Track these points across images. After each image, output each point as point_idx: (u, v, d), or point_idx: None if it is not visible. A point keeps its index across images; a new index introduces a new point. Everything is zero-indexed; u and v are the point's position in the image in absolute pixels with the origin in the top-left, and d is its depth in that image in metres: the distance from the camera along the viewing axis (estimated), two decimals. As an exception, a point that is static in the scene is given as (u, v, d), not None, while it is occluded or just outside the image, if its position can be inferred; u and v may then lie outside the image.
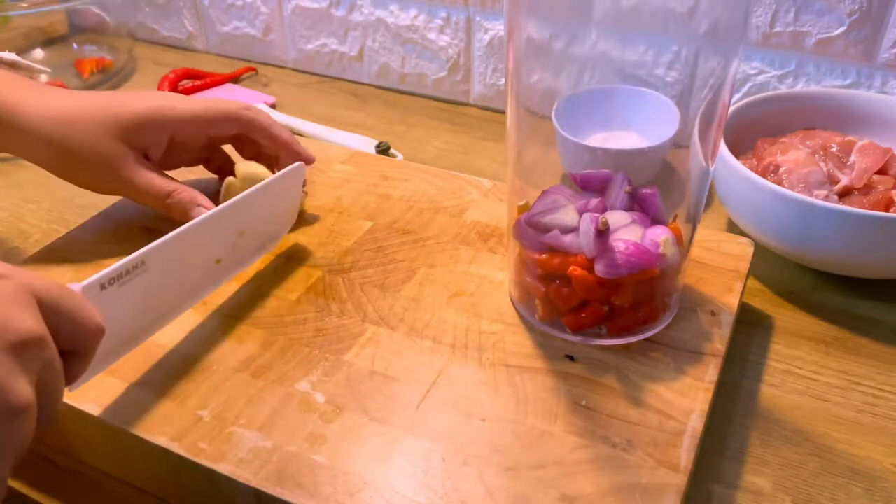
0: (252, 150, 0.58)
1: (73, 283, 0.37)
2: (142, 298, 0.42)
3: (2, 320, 0.28)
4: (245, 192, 0.48)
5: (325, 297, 0.49)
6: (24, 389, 0.28)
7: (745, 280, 0.50)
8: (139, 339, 0.43)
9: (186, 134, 0.54)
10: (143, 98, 0.53)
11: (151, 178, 0.52)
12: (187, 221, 0.45)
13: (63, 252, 0.53)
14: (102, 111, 0.51)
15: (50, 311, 0.31)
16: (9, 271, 0.30)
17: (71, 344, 0.33)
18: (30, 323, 0.29)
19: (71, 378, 0.34)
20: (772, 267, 0.57)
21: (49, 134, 0.50)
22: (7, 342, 0.28)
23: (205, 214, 0.46)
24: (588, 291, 0.43)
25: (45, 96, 0.51)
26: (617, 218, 0.42)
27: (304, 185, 0.55)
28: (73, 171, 0.53)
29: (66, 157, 0.51)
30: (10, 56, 0.62)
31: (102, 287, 0.38)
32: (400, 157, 0.74)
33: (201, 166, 0.59)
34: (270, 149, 0.56)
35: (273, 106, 0.85)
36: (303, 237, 0.55)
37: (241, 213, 0.48)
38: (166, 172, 0.54)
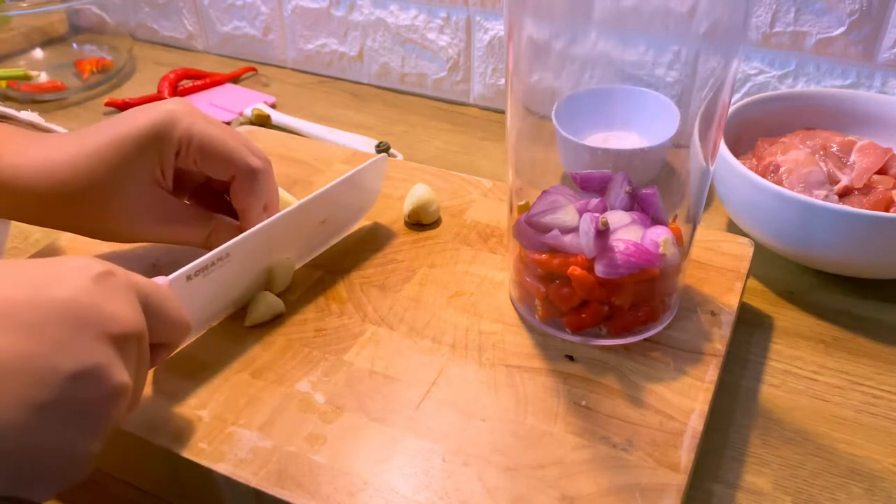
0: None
1: (160, 277, 0.40)
2: (221, 286, 0.45)
3: (112, 313, 0.31)
4: (331, 184, 0.49)
5: (325, 297, 0.49)
6: (124, 375, 0.31)
7: (745, 280, 0.50)
8: (210, 323, 0.46)
9: (186, 156, 0.46)
10: (151, 112, 0.45)
11: (180, 224, 0.46)
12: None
13: (63, 252, 0.53)
14: (105, 152, 0.43)
15: (147, 308, 0.34)
16: (113, 268, 0.33)
17: (159, 338, 0.36)
18: (133, 317, 0.32)
19: (153, 366, 0.37)
20: (772, 267, 0.57)
21: (61, 196, 0.43)
22: (114, 333, 0.31)
23: (291, 207, 0.47)
24: (588, 291, 0.43)
25: (45, 150, 0.44)
26: (617, 218, 0.42)
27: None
28: (103, 229, 0.46)
29: (88, 216, 0.45)
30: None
31: (188, 279, 0.42)
32: (400, 157, 0.74)
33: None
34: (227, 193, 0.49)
35: (273, 106, 0.85)
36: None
37: (325, 204, 0.50)
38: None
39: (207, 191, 0.50)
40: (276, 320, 0.47)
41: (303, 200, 0.47)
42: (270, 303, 0.47)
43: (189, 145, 0.45)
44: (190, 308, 0.39)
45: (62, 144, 0.44)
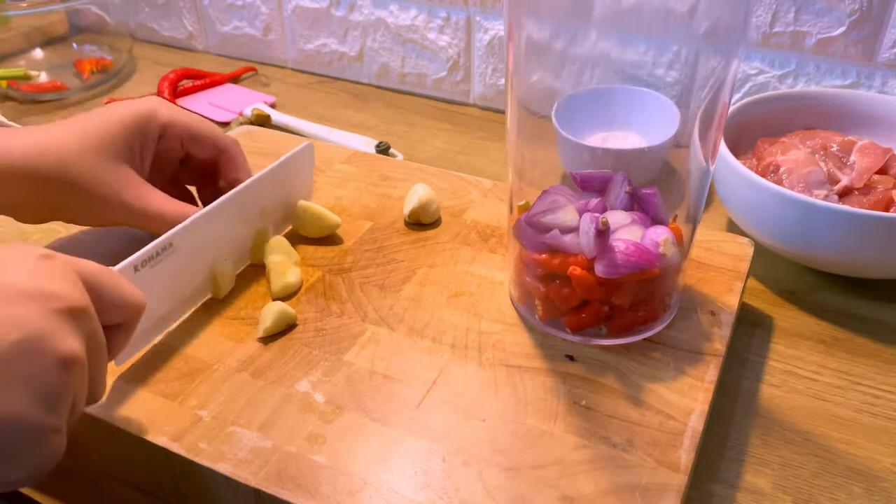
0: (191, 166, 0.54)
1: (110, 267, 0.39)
2: (173, 278, 0.45)
3: (53, 290, 0.32)
4: (262, 171, 0.51)
5: (325, 297, 0.49)
6: (72, 343, 0.32)
7: (745, 280, 0.50)
8: (176, 317, 0.47)
9: (169, 142, 0.50)
10: (134, 104, 0.49)
11: (157, 202, 0.48)
12: None
13: (63, 252, 0.53)
14: (87, 129, 0.47)
15: (92, 287, 0.35)
16: (52, 253, 0.34)
17: (113, 318, 0.36)
18: (75, 293, 0.33)
19: (113, 352, 0.37)
20: (772, 267, 0.57)
21: (37, 168, 0.46)
22: (56, 308, 0.32)
23: (227, 195, 0.48)
24: (588, 291, 0.43)
25: (22, 135, 0.47)
26: (617, 218, 0.42)
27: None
28: (71, 208, 0.48)
29: (61, 190, 0.47)
30: None
31: (136, 269, 0.42)
32: (400, 157, 0.74)
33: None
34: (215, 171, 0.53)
35: (273, 106, 0.85)
36: (303, 237, 0.55)
37: (260, 190, 0.51)
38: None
39: (175, 188, 0.54)
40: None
41: (236, 189, 0.49)
42: (284, 314, 0.46)
43: (174, 128, 0.50)
44: (148, 300, 0.39)
45: (48, 131, 0.47)
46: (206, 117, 0.59)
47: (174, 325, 0.46)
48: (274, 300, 0.48)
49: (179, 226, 0.45)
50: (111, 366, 0.43)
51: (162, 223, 0.47)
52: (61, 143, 0.46)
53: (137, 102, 0.50)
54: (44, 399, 0.31)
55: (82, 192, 0.47)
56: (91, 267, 0.36)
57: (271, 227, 0.53)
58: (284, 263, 0.49)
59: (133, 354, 0.43)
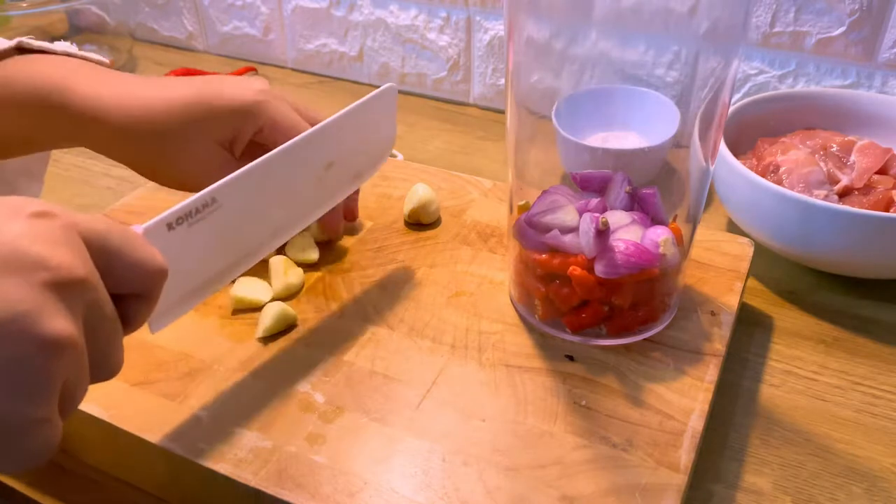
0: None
1: (136, 225, 0.34)
2: (218, 238, 0.39)
3: (37, 258, 0.27)
4: (333, 117, 0.45)
5: (325, 297, 0.49)
6: (60, 324, 0.27)
7: (745, 280, 0.50)
8: (223, 280, 0.41)
9: (268, 138, 0.47)
10: (237, 86, 0.47)
11: None
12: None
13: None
14: (194, 104, 0.45)
15: (99, 251, 0.29)
16: (54, 210, 0.29)
17: (128, 286, 0.31)
18: (68, 261, 0.27)
19: (133, 323, 0.32)
20: (772, 267, 0.57)
21: (137, 133, 0.44)
22: (41, 280, 0.27)
23: (286, 144, 0.42)
24: (588, 291, 0.43)
25: (126, 86, 0.45)
26: (617, 218, 0.42)
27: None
28: (165, 174, 0.47)
29: (157, 159, 0.46)
30: (63, 45, 0.51)
31: (170, 227, 0.36)
32: (400, 157, 0.74)
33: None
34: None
35: (273, 106, 0.85)
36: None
37: (329, 141, 0.45)
38: None
39: None
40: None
41: (299, 137, 0.43)
42: (284, 315, 0.46)
43: (273, 129, 0.46)
44: (185, 261, 0.35)
45: (144, 85, 0.46)
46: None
47: (221, 287, 0.41)
48: (274, 300, 0.48)
49: (225, 179, 0.38)
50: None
51: None
52: (159, 107, 0.44)
53: (246, 87, 0.46)
54: (24, 389, 0.26)
55: (173, 163, 0.45)
56: (98, 225, 0.30)
57: (338, 189, 0.47)
58: (285, 263, 0.49)
59: (172, 320, 0.37)
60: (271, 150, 0.43)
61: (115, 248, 0.30)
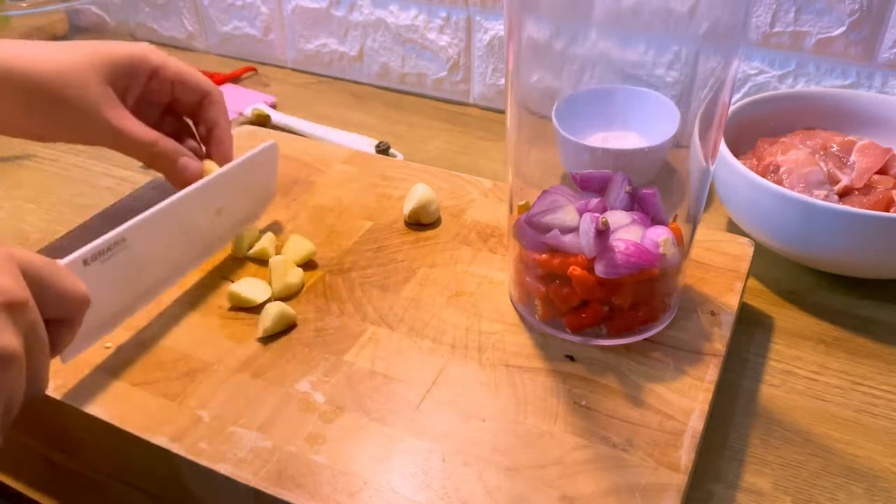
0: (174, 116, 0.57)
1: (59, 260, 0.38)
2: (125, 275, 0.44)
3: None
4: (222, 169, 0.50)
5: (325, 297, 0.49)
6: (8, 339, 0.30)
7: (745, 280, 0.50)
8: (126, 315, 0.45)
9: (159, 84, 0.53)
10: (129, 44, 0.53)
11: (136, 124, 0.51)
12: (172, 174, 0.51)
13: (63, 252, 0.53)
14: (91, 56, 0.50)
15: (33, 280, 0.33)
16: None
17: (56, 312, 0.35)
18: (12, 286, 0.31)
19: (58, 347, 0.36)
20: (772, 267, 0.57)
21: (26, 74, 0.49)
22: None
23: (182, 192, 0.48)
24: (588, 291, 0.43)
25: (17, 45, 0.50)
26: (617, 218, 0.42)
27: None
28: (55, 119, 0.51)
29: (48, 99, 0.50)
30: None
31: (85, 263, 0.41)
32: (400, 157, 0.74)
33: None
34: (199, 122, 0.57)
35: (273, 106, 0.85)
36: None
37: (219, 190, 0.50)
38: None
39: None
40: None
41: (193, 186, 0.48)
42: (284, 315, 0.46)
43: (165, 70, 0.53)
44: (97, 295, 0.39)
45: (40, 44, 0.51)
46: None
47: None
48: (274, 300, 0.48)
49: (132, 221, 0.44)
50: (117, 365, 0.43)
51: (137, 146, 0.51)
52: (51, 55, 0.49)
53: (131, 44, 0.53)
54: None
55: (69, 101, 0.49)
56: (33, 258, 0.34)
57: (237, 228, 0.52)
58: (285, 263, 0.49)
59: (83, 350, 0.42)
60: (163, 103, 0.54)
61: (46, 277, 0.34)
